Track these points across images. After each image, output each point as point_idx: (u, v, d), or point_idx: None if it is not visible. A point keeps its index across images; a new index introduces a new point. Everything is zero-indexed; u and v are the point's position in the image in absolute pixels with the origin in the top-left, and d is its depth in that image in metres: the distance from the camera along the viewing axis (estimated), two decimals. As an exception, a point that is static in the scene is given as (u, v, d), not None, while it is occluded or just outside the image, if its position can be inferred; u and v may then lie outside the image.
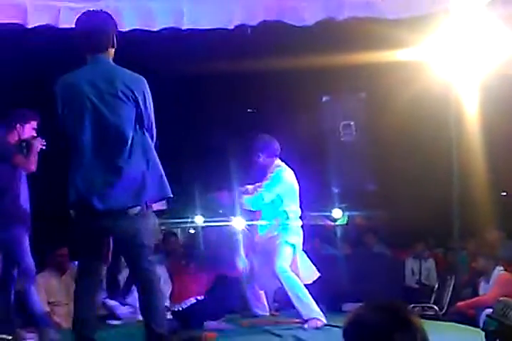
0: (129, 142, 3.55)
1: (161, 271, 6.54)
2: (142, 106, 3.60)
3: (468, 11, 6.18)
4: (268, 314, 6.01)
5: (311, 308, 5.24)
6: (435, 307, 6.95)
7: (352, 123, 8.20)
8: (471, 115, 6.79)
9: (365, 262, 7.68)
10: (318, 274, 5.67)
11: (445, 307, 7.08)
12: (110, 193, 3.54)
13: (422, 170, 8.13)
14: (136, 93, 3.57)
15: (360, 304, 1.91)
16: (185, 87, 8.12)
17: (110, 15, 3.81)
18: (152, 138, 3.71)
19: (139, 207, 3.59)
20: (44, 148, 4.94)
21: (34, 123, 5.00)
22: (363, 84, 8.23)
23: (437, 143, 7.15)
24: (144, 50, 7.09)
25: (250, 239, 6.19)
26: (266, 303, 6.07)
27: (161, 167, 3.70)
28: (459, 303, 6.45)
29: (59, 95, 3.67)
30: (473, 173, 7.20)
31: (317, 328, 5.12)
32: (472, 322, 5.62)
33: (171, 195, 3.78)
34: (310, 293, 5.33)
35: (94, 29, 3.69)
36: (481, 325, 4.59)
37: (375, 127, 8.27)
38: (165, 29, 6.06)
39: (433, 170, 7.56)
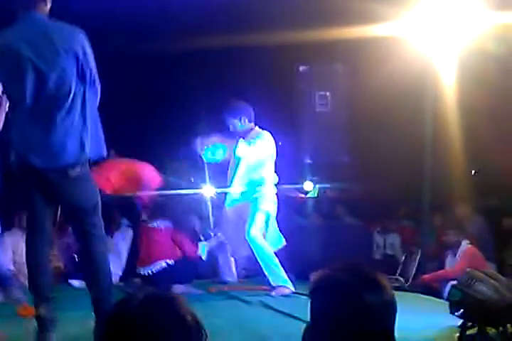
0: (70, 98, 3.45)
1: (125, 235, 6.48)
2: (83, 60, 3.49)
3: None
4: (236, 280, 6.05)
5: (279, 276, 5.26)
6: (401, 278, 7.00)
7: (328, 94, 8.14)
8: (448, 89, 6.81)
9: (334, 233, 7.71)
10: (285, 243, 5.67)
11: (410, 280, 7.15)
12: (47, 150, 3.45)
13: (396, 143, 8.14)
14: (75, 47, 3.46)
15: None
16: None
17: None
18: (96, 94, 3.59)
19: (78, 169, 3.49)
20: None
21: None
22: (341, 56, 8.17)
23: (413, 117, 7.16)
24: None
25: (221, 206, 6.16)
26: (234, 270, 6.09)
27: (99, 125, 3.59)
28: (425, 276, 6.52)
29: None
30: (447, 148, 7.24)
31: (284, 295, 5.15)
32: (436, 294, 5.69)
33: (105, 155, 3.70)
34: (280, 261, 5.35)
35: None
36: (446, 295, 4.65)
37: (351, 99, 8.24)
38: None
39: (407, 144, 7.58)
